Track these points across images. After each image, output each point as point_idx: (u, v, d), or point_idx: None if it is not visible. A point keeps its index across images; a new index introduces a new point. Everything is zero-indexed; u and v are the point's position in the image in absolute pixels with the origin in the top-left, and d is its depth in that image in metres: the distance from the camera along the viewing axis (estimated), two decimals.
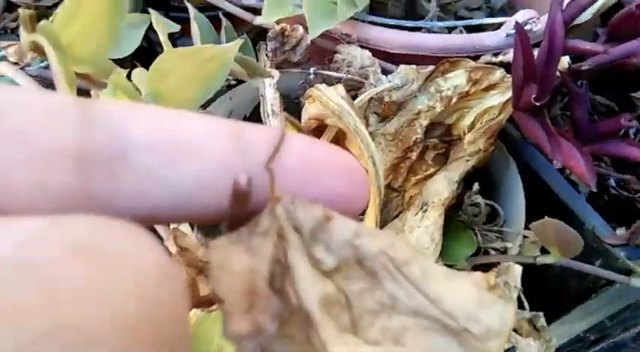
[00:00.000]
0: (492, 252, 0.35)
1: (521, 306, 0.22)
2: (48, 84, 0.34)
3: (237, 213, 0.14)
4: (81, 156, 0.12)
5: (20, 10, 0.25)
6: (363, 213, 0.32)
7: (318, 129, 0.35)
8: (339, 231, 0.15)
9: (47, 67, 0.37)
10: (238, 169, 0.13)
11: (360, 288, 0.15)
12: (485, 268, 0.34)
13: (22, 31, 0.26)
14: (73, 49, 0.27)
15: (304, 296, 0.14)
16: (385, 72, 0.41)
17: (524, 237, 0.34)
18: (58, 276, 0.09)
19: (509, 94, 0.36)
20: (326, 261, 0.15)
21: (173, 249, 0.30)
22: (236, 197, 0.14)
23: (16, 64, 0.36)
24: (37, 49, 0.26)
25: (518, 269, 0.21)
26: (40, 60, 0.37)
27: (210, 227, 0.15)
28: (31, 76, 0.36)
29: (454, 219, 0.35)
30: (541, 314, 0.23)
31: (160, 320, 0.09)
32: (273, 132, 0.14)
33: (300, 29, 0.40)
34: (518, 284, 0.21)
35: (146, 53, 0.43)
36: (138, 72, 0.35)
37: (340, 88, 0.32)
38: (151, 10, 0.36)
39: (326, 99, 0.32)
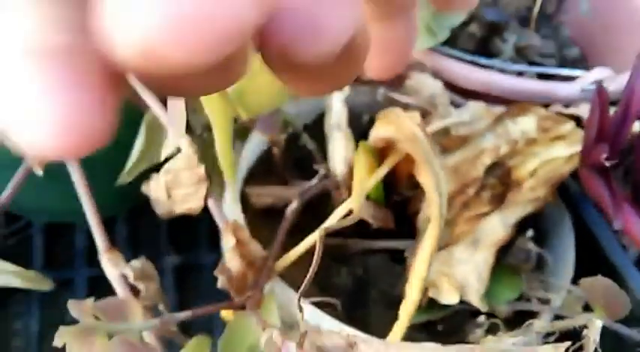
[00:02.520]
0: (534, 301, 0.35)
1: None
2: None
3: None
4: None
5: None
6: (419, 238, 0.32)
7: (383, 150, 0.36)
8: None
9: None
10: None
11: None
12: (526, 316, 0.34)
13: None
14: None
15: None
16: (453, 104, 0.41)
17: (568, 291, 0.34)
18: None
19: (576, 148, 0.36)
20: None
21: (231, 241, 0.31)
22: None
23: None
24: None
25: (598, 324, 0.22)
26: None
27: None
28: None
29: (501, 261, 0.36)
30: None
31: None
32: None
33: None
34: (597, 339, 0.22)
35: None
36: None
37: (417, 116, 0.33)
38: None
39: (401, 124, 0.32)
